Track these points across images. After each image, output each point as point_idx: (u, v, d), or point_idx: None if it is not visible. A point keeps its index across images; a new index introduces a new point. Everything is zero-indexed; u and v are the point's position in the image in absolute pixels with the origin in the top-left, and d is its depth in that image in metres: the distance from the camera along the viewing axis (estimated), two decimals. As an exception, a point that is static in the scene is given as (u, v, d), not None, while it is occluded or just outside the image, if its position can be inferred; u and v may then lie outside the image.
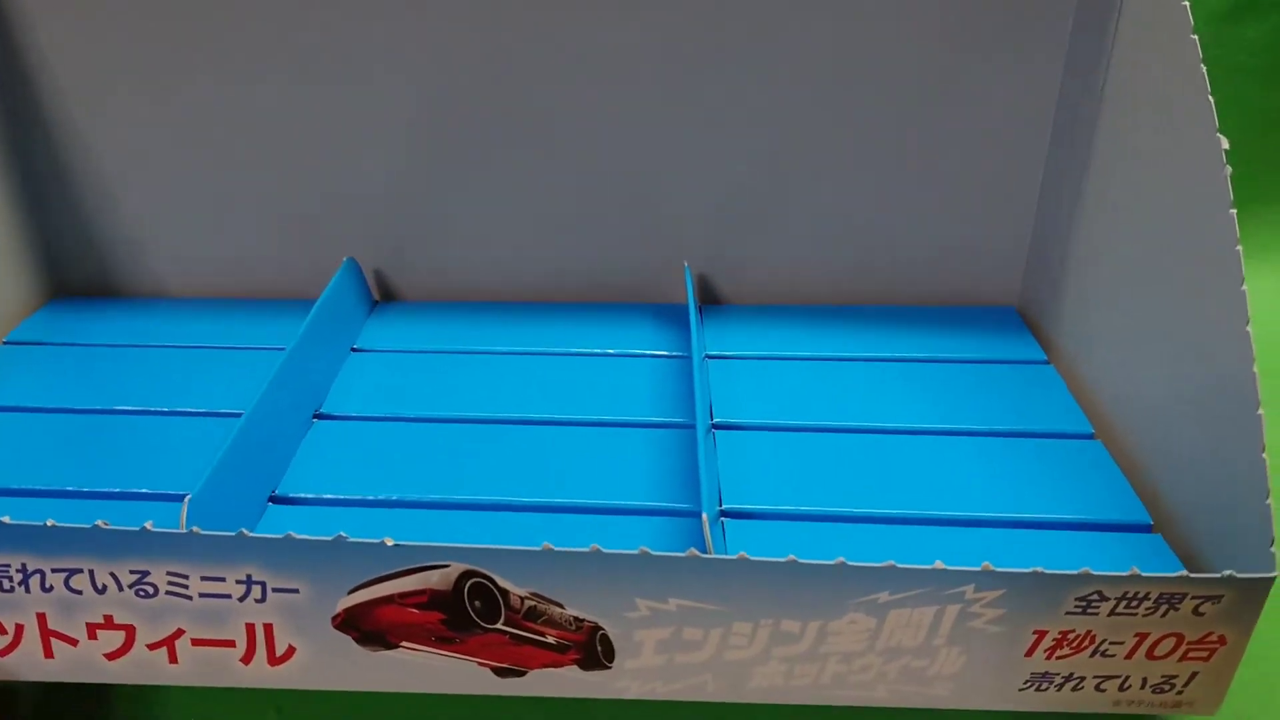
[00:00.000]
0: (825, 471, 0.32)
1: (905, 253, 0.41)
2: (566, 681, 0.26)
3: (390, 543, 0.23)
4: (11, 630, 0.25)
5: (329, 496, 0.30)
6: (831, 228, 0.41)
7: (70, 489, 0.30)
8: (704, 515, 0.26)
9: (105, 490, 0.30)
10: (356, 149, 0.39)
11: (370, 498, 0.30)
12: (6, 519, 0.23)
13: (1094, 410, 0.36)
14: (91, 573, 0.24)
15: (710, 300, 0.42)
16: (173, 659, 0.26)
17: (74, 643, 0.25)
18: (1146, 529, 0.30)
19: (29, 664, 0.26)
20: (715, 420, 0.34)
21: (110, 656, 0.26)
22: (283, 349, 0.37)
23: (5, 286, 0.39)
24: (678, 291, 0.41)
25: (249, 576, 0.24)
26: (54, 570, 0.24)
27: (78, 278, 0.42)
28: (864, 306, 0.42)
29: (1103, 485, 0.32)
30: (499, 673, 0.26)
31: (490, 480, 0.31)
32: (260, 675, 0.26)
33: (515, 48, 0.38)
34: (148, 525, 0.23)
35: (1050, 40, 0.38)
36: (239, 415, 0.33)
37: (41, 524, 0.23)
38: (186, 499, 0.26)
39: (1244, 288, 0.27)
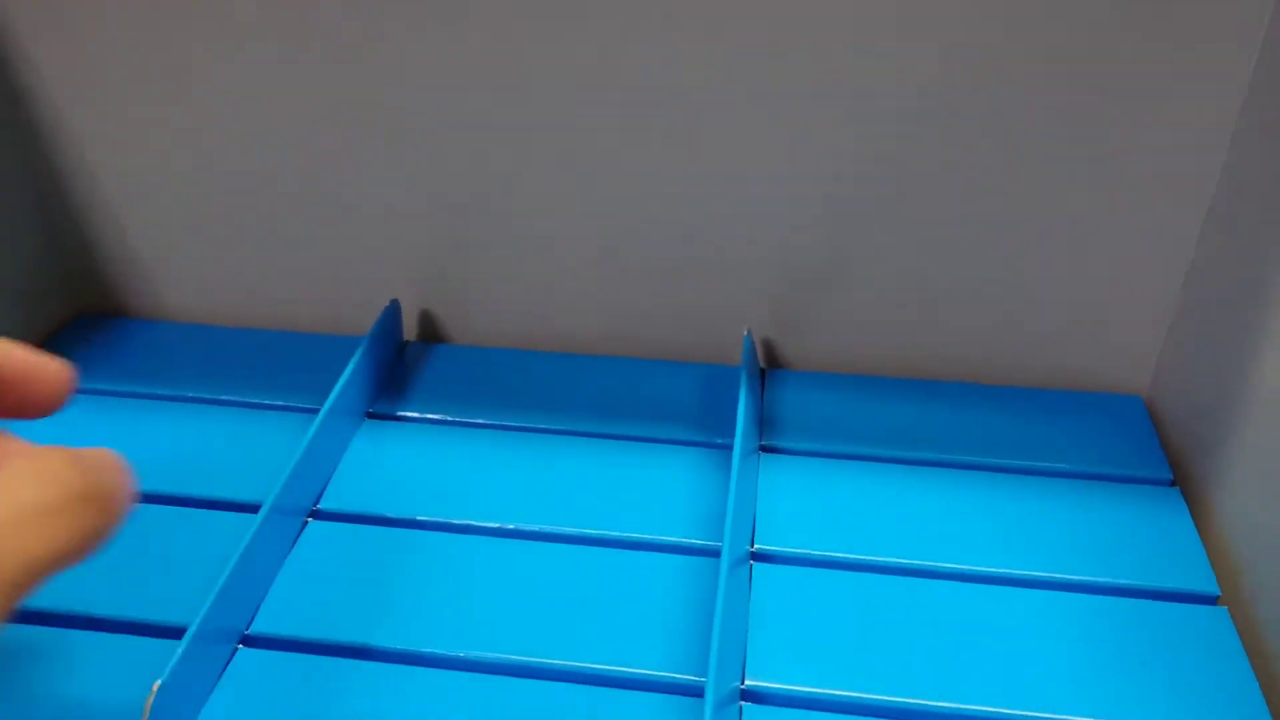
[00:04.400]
0: (873, 635, 0.27)
1: (1014, 323, 0.35)
2: None
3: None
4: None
5: (301, 639, 0.27)
6: (925, 289, 0.34)
7: (37, 609, 0.28)
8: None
9: (101, 615, 0.27)
10: (398, 185, 0.35)
11: (343, 642, 0.27)
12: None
13: (1223, 557, 0.29)
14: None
15: (776, 364, 0.37)
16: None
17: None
18: (1271, 754, 0.25)
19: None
20: (755, 547, 0.30)
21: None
22: (305, 410, 0.34)
23: (32, 305, 0.37)
24: (739, 353, 0.36)
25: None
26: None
27: (100, 298, 0.39)
28: (959, 384, 0.35)
29: (1220, 685, 0.26)
30: None
31: (485, 625, 0.27)
32: None
33: (574, 88, 0.32)
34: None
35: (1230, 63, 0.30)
36: (251, 509, 0.30)
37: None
38: (156, 686, 0.23)
39: None
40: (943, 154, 0.32)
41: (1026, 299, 0.34)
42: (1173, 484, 0.32)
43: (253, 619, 0.27)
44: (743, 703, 0.26)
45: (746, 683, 0.26)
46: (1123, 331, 0.34)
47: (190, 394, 0.35)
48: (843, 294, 0.35)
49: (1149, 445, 0.33)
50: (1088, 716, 0.25)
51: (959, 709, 0.25)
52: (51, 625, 0.27)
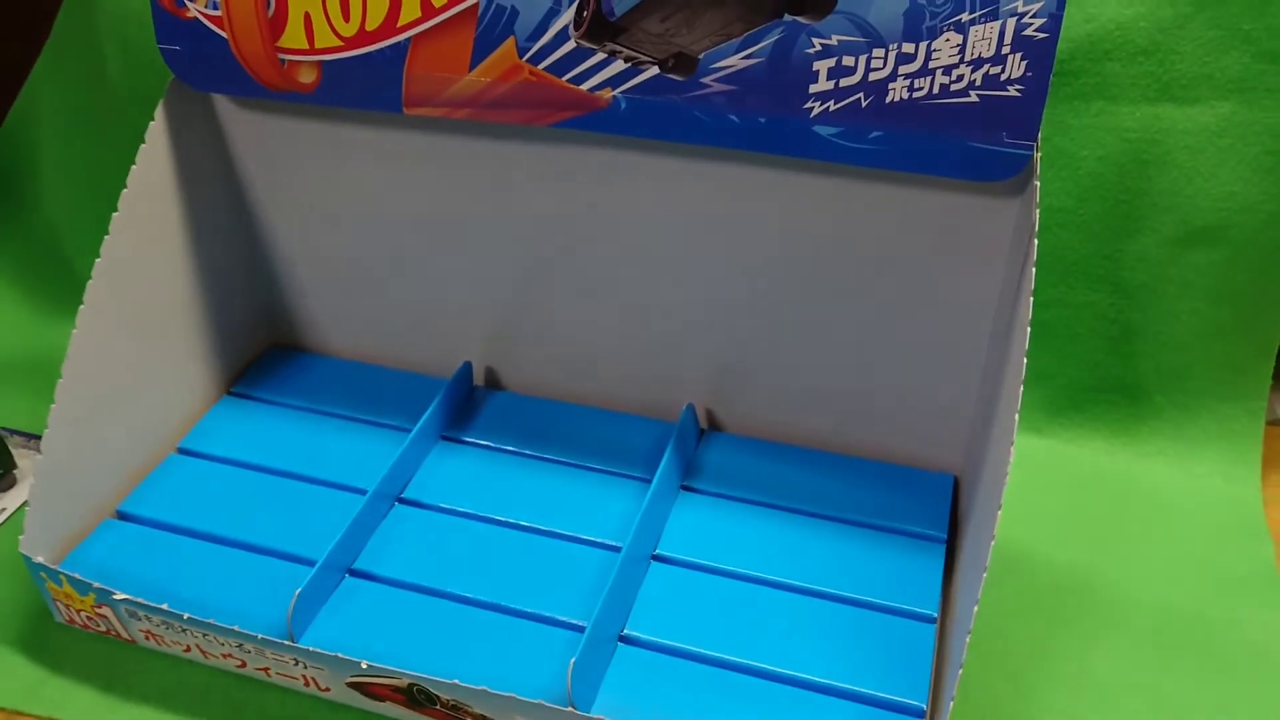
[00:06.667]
0: (724, 616, 0.44)
1: (867, 415, 0.51)
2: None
3: (365, 665, 0.39)
4: (184, 647, 0.44)
5: (394, 579, 0.46)
6: (810, 385, 0.51)
7: (232, 539, 0.48)
8: (571, 661, 0.40)
9: (256, 544, 0.48)
10: (472, 273, 0.54)
11: (419, 584, 0.46)
12: (165, 606, 0.41)
13: (948, 593, 0.45)
14: (215, 637, 0.42)
15: (715, 427, 0.54)
16: (269, 676, 0.44)
17: (217, 657, 0.44)
18: (919, 714, 0.41)
19: (198, 659, 0.45)
20: (657, 551, 0.47)
21: (237, 666, 0.44)
22: (403, 429, 0.53)
23: (240, 341, 0.58)
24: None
25: (295, 659, 0.41)
26: (195, 628, 0.42)
27: (285, 336, 0.60)
28: (832, 454, 0.52)
29: (905, 666, 0.42)
30: (445, 726, 0.42)
31: (471, 574, 0.46)
32: (317, 693, 0.43)
33: (591, 239, 0.51)
34: (235, 628, 0.40)
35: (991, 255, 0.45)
36: (359, 491, 0.50)
37: (180, 614, 0.41)
38: (297, 594, 0.43)
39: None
40: (818, 299, 0.48)
41: (875, 398, 0.50)
42: (943, 541, 0.48)
43: (355, 559, 0.47)
44: (620, 644, 0.44)
45: (625, 631, 0.44)
46: (941, 426, 0.50)
47: (331, 410, 0.55)
48: (757, 383, 0.52)
49: (941, 511, 0.49)
50: (834, 679, 0.42)
51: (761, 667, 0.42)
52: (217, 544, 0.48)
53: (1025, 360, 0.38)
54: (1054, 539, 0.51)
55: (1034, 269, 0.39)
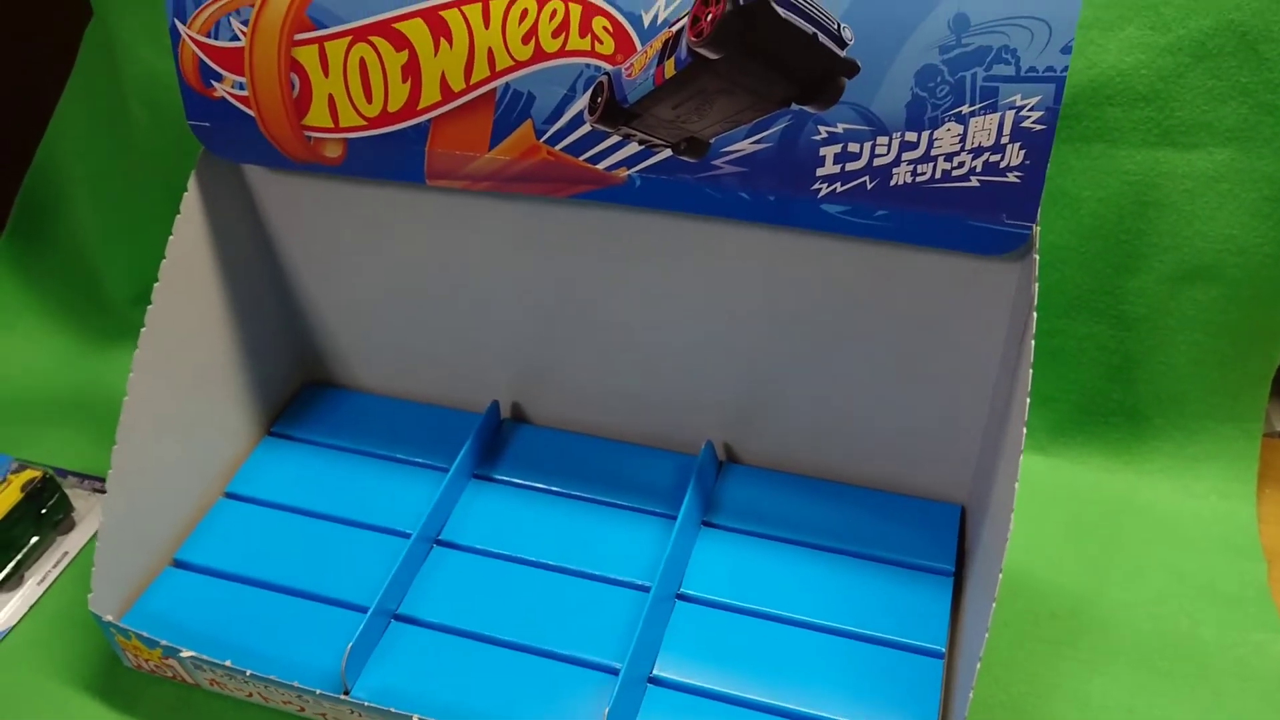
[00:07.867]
0: (743, 655, 0.47)
1: (877, 450, 0.53)
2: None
3: (416, 718, 0.43)
4: (246, 693, 0.47)
5: (436, 623, 0.50)
6: (823, 422, 0.54)
7: (285, 585, 0.51)
8: (605, 710, 0.43)
9: (307, 590, 0.51)
10: (496, 320, 0.56)
11: (461, 628, 0.49)
12: (228, 663, 0.45)
13: (954, 627, 0.48)
14: (275, 689, 0.45)
15: (734, 459, 0.57)
16: None
17: (277, 703, 0.47)
18: (928, 752, 0.44)
19: (260, 703, 0.48)
20: (681, 590, 0.50)
21: (298, 710, 0.48)
22: (436, 468, 0.56)
23: (277, 382, 0.61)
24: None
25: (351, 709, 0.44)
26: (255, 679, 0.45)
27: (320, 374, 0.62)
28: (843, 485, 0.55)
29: (915, 701, 0.45)
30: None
31: (500, 615, 0.49)
32: (370, 735, 0.47)
33: (609, 297, 0.53)
34: (295, 684, 0.44)
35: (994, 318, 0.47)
36: (400, 534, 0.53)
37: (243, 670, 0.44)
38: (349, 647, 0.46)
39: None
40: (828, 347, 0.51)
41: (886, 437, 0.53)
42: (950, 574, 0.50)
43: (400, 604, 0.50)
44: (649, 685, 0.47)
45: (654, 672, 0.47)
46: (949, 460, 0.52)
47: (367, 449, 0.58)
48: (772, 423, 0.54)
49: (949, 543, 0.52)
50: (849, 716, 0.45)
51: (780, 705, 0.45)
52: (271, 590, 0.51)
53: (1024, 430, 0.40)
54: (1055, 560, 0.53)
55: (1033, 341, 0.41)
